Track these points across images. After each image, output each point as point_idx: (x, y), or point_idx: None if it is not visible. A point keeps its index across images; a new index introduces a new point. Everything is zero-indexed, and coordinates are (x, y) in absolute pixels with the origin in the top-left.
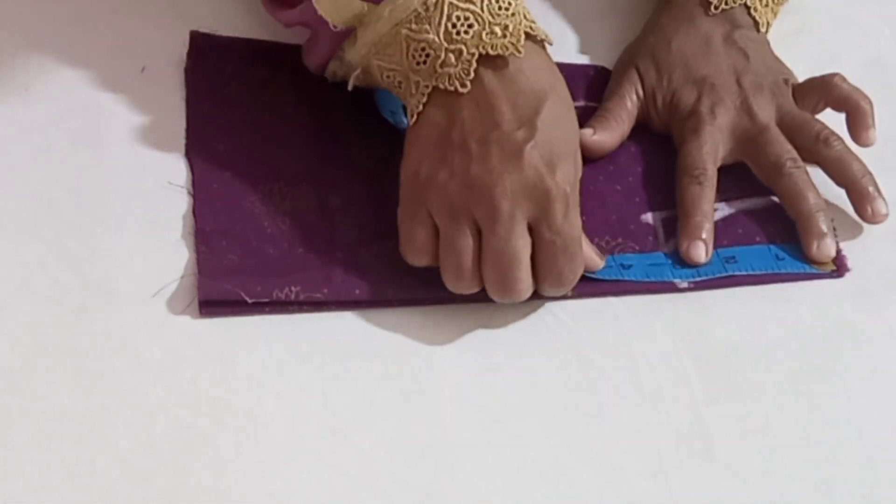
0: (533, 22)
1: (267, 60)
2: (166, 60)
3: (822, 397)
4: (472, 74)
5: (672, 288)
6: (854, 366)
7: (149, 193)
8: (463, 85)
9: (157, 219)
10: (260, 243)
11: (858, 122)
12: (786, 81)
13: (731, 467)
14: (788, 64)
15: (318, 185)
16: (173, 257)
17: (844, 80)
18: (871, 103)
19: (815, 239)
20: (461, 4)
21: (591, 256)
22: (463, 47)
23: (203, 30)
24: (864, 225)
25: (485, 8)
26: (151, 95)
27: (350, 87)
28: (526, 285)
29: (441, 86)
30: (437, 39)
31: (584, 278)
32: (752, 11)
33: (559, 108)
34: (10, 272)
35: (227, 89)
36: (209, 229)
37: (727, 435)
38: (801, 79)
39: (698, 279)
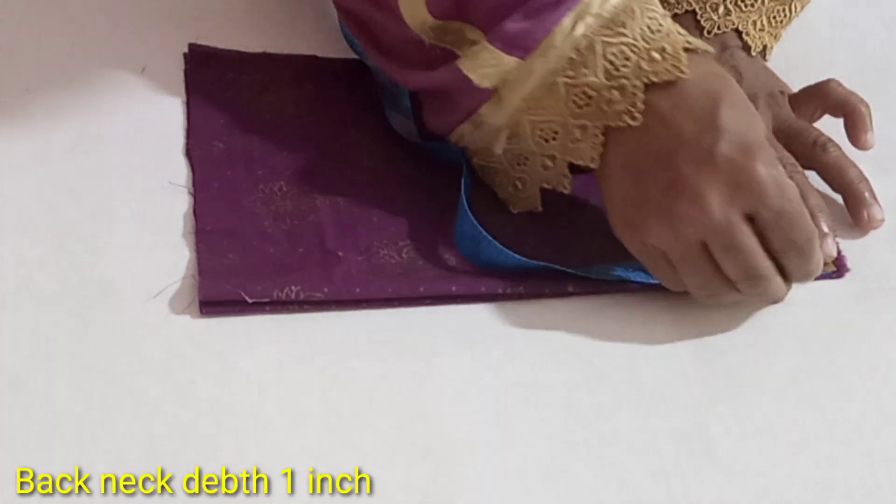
0: (688, 35)
1: (266, 68)
2: (166, 60)
3: (822, 397)
4: (641, 106)
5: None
6: (854, 366)
7: (149, 193)
8: (633, 118)
9: (157, 218)
10: (260, 243)
11: (857, 125)
12: (781, 92)
13: (731, 467)
14: (785, 66)
15: (319, 184)
16: (173, 257)
17: (840, 84)
18: (868, 106)
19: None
20: (614, 40)
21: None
22: (626, 81)
23: (202, 30)
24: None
25: (638, 36)
26: (151, 95)
27: (499, 151)
28: (770, 272)
29: (612, 123)
30: (598, 80)
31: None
32: (743, 36)
33: (737, 107)
34: (10, 272)
35: (228, 90)
36: (209, 229)
37: (727, 435)
38: (798, 82)
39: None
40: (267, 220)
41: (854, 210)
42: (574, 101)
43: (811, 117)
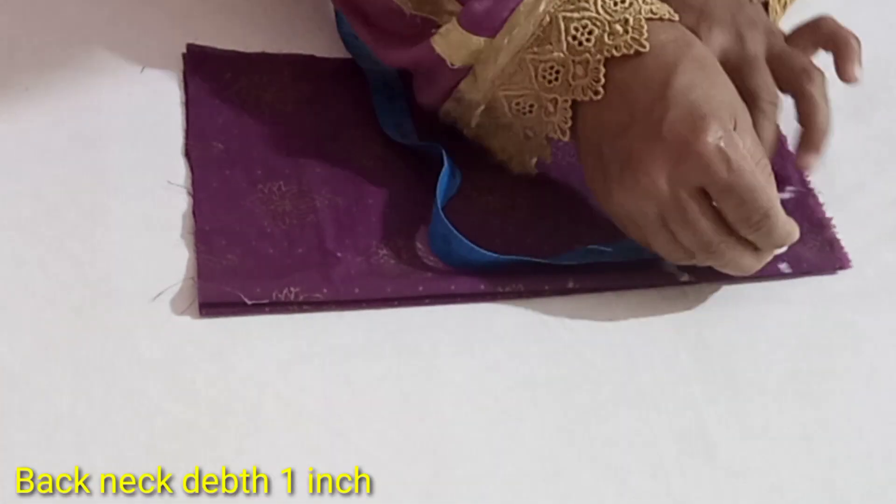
0: (653, 4)
1: (265, 68)
2: (166, 60)
3: (822, 397)
4: (602, 80)
5: (672, 282)
6: (854, 366)
7: (149, 193)
8: (596, 92)
9: (157, 218)
10: (259, 243)
11: (845, 56)
12: (780, 31)
13: (731, 467)
14: None
15: (318, 184)
16: (173, 257)
17: (833, 20)
18: (859, 42)
19: None
20: (576, 14)
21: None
22: (588, 56)
23: (201, 30)
24: (865, 225)
25: (601, 9)
26: (151, 95)
27: (473, 125)
28: (726, 245)
29: (578, 98)
30: (562, 55)
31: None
32: None
33: (692, 73)
34: (10, 272)
35: (227, 90)
36: (209, 229)
37: (727, 435)
38: None
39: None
40: (266, 220)
41: (802, 148)
42: (543, 76)
43: (804, 52)
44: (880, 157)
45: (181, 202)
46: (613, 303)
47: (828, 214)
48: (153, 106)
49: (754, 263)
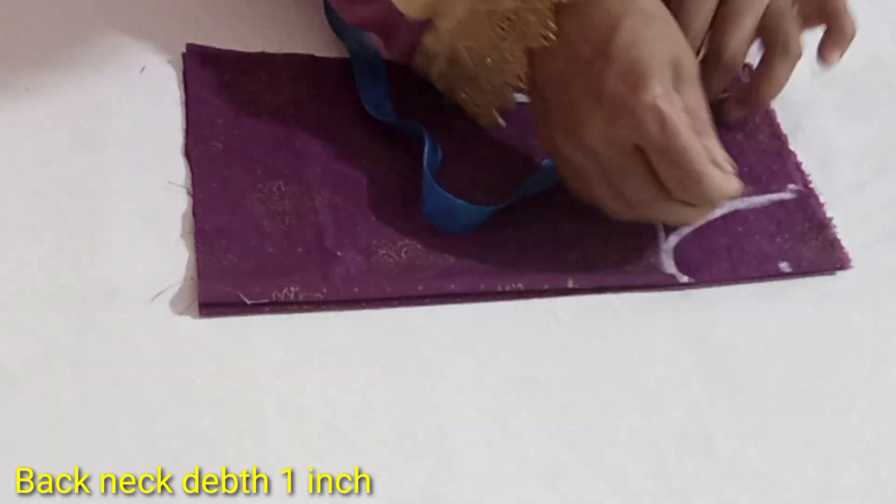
0: None
1: (264, 68)
2: (166, 60)
3: (822, 397)
4: (553, 26)
5: (673, 282)
6: (854, 366)
7: (149, 193)
8: (546, 38)
9: (157, 218)
10: (259, 242)
11: (833, 38)
12: None
13: (731, 467)
14: None
15: (318, 184)
16: (173, 257)
17: (845, 2)
18: (854, 31)
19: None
20: None
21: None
22: (539, 4)
23: (201, 30)
24: (865, 225)
25: None
26: (151, 95)
27: (436, 75)
28: (662, 200)
29: (531, 44)
30: (513, 3)
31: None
32: None
33: (637, 29)
34: (10, 272)
35: (226, 90)
36: (209, 228)
37: (727, 435)
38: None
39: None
40: (266, 220)
41: (729, 102)
42: (499, 26)
43: (806, 19)
44: (880, 157)
45: (181, 202)
46: (613, 303)
47: (828, 214)
48: (153, 106)
49: (695, 216)
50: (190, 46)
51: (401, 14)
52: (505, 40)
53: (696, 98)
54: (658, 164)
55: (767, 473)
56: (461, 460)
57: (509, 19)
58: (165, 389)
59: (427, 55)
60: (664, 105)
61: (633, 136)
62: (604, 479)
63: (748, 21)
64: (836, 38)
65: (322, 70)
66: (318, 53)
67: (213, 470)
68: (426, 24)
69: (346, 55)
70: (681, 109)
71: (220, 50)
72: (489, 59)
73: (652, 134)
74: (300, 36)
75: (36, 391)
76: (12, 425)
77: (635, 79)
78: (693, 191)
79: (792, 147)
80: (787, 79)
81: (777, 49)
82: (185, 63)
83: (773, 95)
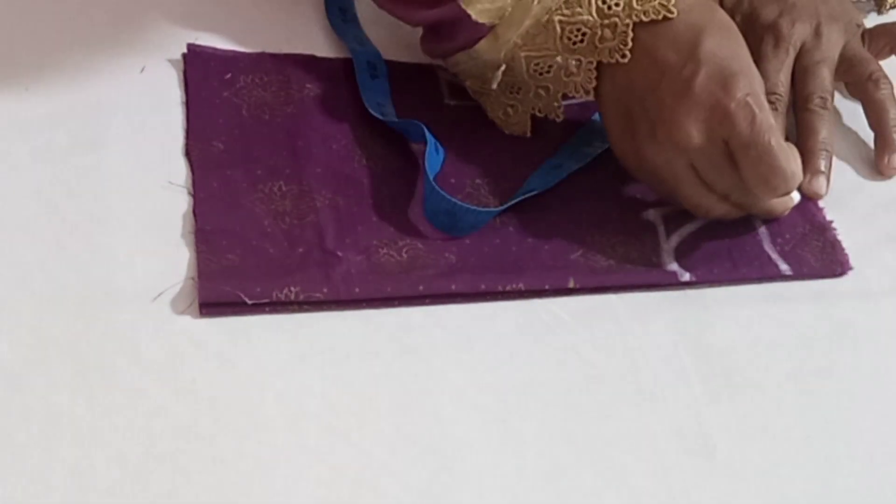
0: None
1: (264, 68)
2: (166, 60)
3: (822, 397)
4: (630, 43)
5: (674, 281)
6: (854, 366)
7: (149, 193)
8: (623, 56)
9: (157, 218)
10: (260, 242)
11: None
12: (858, 25)
13: (731, 467)
14: None
15: (318, 184)
16: (173, 257)
17: None
18: None
19: (809, 173)
20: None
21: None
22: (617, 20)
23: (201, 30)
24: (865, 224)
25: None
26: (151, 95)
27: (494, 86)
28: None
29: (604, 60)
30: (591, 18)
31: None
32: None
33: (719, 36)
34: (10, 272)
35: (227, 90)
36: (209, 228)
37: (727, 435)
38: None
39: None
40: (266, 220)
41: (879, 151)
42: (568, 38)
43: (879, 53)
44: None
45: (181, 202)
46: (613, 303)
47: (828, 216)
48: (153, 106)
49: (780, 206)
50: (190, 46)
51: (467, 16)
52: (573, 53)
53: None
54: (741, 160)
55: (767, 473)
56: (461, 460)
57: (582, 32)
58: (165, 389)
59: (472, 57)
60: (755, 102)
61: (725, 132)
62: (604, 479)
63: (824, 71)
64: None
65: (322, 70)
66: (318, 53)
67: (214, 470)
68: (485, 30)
69: (347, 55)
70: (768, 111)
71: (220, 50)
72: (552, 69)
73: (743, 130)
74: (300, 36)
75: (36, 391)
76: (12, 425)
77: (727, 77)
78: (765, 187)
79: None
80: (893, 97)
81: (869, 88)
82: (185, 63)
83: (894, 117)
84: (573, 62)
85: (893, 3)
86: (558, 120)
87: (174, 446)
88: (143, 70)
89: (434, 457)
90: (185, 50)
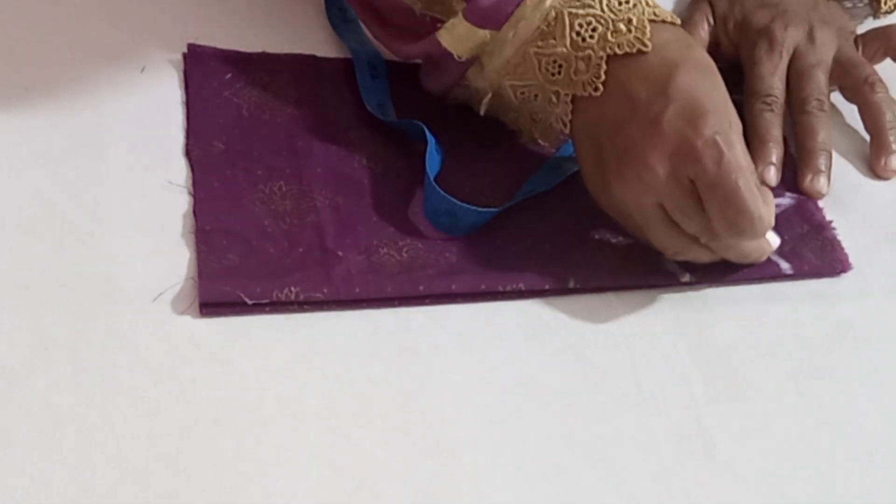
0: (656, 7)
1: (265, 68)
2: (166, 60)
3: (822, 397)
4: (603, 77)
5: (674, 281)
6: (854, 366)
7: (149, 193)
8: (595, 89)
9: (157, 218)
10: (260, 242)
11: None
12: (850, 31)
13: (731, 467)
14: None
15: (318, 184)
16: (173, 257)
17: None
18: None
19: (810, 172)
20: (581, 11)
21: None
22: (591, 52)
23: (202, 30)
24: (865, 224)
25: (605, 7)
26: (151, 95)
27: (483, 112)
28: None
29: (578, 92)
30: (565, 50)
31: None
32: None
33: (693, 74)
34: (10, 272)
35: (227, 90)
36: (209, 228)
37: (727, 435)
38: None
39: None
40: (267, 220)
41: (875, 154)
42: (547, 69)
43: (873, 57)
44: None
45: (181, 202)
46: (613, 303)
47: (827, 216)
48: (153, 106)
49: (754, 251)
50: (190, 46)
51: (449, 53)
52: (553, 84)
53: (745, 156)
54: (706, 199)
55: (767, 473)
56: (461, 460)
57: (558, 64)
58: (165, 389)
59: (468, 88)
60: (724, 141)
61: (691, 170)
62: (604, 479)
63: (819, 74)
64: None
65: (323, 70)
66: (318, 53)
67: (214, 470)
68: (471, 61)
69: (347, 55)
70: (739, 151)
71: (220, 50)
72: (535, 98)
73: (709, 168)
74: (300, 36)
75: (36, 391)
76: (12, 425)
77: (696, 114)
78: (732, 228)
79: (792, 150)
80: (890, 100)
81: (865, 91)
82: (185, 63)
83: (893, 120)
84: (553, 93)
85: (889, 8)
86: (554, 149)
87: (174, 446)
88: (143, 70)
89: (434, 457)
90: (185, 50)
